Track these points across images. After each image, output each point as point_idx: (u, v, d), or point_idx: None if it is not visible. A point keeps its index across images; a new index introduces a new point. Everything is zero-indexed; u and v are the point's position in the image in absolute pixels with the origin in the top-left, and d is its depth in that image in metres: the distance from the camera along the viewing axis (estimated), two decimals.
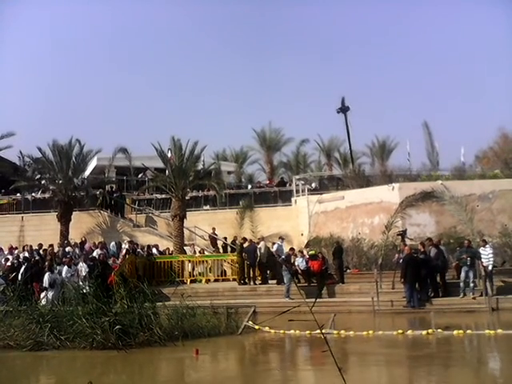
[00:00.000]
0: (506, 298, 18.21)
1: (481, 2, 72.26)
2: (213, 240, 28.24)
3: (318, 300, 18.87)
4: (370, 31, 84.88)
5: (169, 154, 29.70)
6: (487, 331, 14.26)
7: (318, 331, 14.07)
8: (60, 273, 18.96)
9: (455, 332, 14.07)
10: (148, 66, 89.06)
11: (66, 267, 19.18)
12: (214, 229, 28.61)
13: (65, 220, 28.53)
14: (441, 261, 19.17)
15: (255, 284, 21.47)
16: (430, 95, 75.86)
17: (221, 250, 27.05)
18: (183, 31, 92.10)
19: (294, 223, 29.68)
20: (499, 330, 14.14)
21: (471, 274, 18.52)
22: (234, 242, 26.34)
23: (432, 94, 76.37)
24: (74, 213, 29.38)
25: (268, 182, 39.87)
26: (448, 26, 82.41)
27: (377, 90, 79.04)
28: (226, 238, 28.05)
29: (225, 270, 23.63)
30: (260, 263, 21.61)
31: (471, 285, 18.48)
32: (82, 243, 24.90)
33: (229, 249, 26.74)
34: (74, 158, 30.45)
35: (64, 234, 27.70)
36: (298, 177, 34.33)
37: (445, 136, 66.90)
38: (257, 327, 15.23)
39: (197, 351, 12.46)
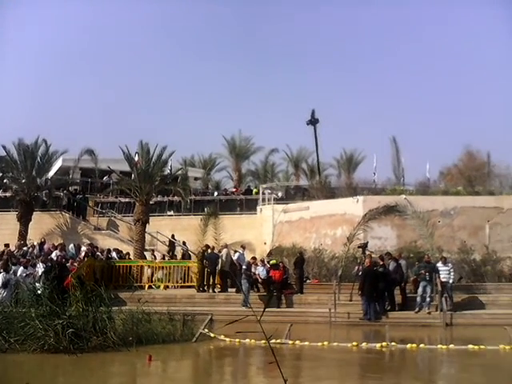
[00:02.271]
0: (460, 313, 18.51)
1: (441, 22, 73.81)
2: (171, 245, 28.20)
3: (275, 309, 18.91)
4: (341, 45, 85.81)
5: (136, 158, 29.55)
6: (440, 346, 14.43)
7: (274, 341, 14.15)
8: (15, 273, 18.60)
9: (409, 346, 14.19)
10: (119, 69, 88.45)
11: (21, 268, 18.85)
12: (173, 235, 28.55)
13: (25, 220, 28.12)
14: (399, 275, 19.39)
15: (214, 292, 21.38)
16: (398, 110, 76.80)
17: (178, 257, 26.96)
18: (153, 35, 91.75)
19: (257, 232, 29.70)
20: (451, 345, 14.31)
21: (428, 289, 18.75)
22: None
23: (400, 109, 77.44)
24: (34, 213, 28.98)
25: (234, 189, 39.86)
26: (416, 42, 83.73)
27: (346, 104, 79.71)
28: (184, 243, 27.98)
29: (185, 276, 23.42)
30: (221, 271, 21.54)
31: (427, 299, 18.71)
32: (41, 244, 24.51)
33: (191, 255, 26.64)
34: (38, 158, 30.21)
35: (23, 234, 27.28)
36: (264, 186, 34.43)
37: (411, 151, 67.94)
38: (212, 335, 15.13)
39: (150, 357, 12.32)
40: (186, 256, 27.17)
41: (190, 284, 22.80)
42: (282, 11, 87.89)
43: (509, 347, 13.85)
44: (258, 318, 4.65)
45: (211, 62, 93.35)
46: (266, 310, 18.31)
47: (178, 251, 28.12)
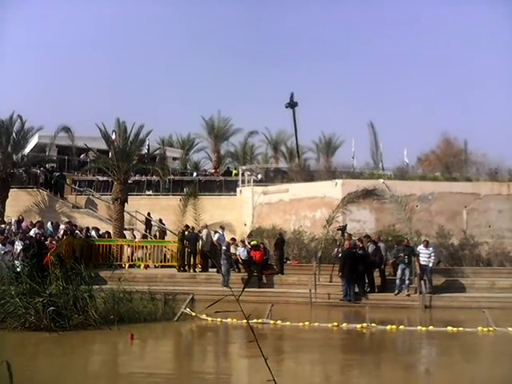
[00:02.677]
0: (439, 296, 18.78)
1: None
2: (148, 223, 28.18)
3: (256, 290, 18.99)
4: (321, 30, 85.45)
5: (113, 136, 29.22)
6: (419, 327, 14.64)
7: (255, 320, 14.22)
8: None
9: (388, 327, 14.36)
10: (98, 47, 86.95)
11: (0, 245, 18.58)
12: (148, 213, 28.65)
13: (1, 197, 27.70)
14: (378, 257, 19.59)
15: (195, 271, 21.36)
16: (377, 96, 77.10)
17: (156, 234, 27.10)
18: (135, 17, 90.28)
19: (237, 213, 29.67)
20: (431, 327, 14.53)
21: (407, 272, 18.97)
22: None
23: (379, 94, 77.62)
24: (11, 190, 28.51)
25: (214, 170, 39.70)
26: (395, 28, 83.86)
27: (325, 89, 79.72)
28: (161, 220, 27.99)
29: (165, 256, 23.33)
30: (202, 251, 21.51)
31: (407, 282, 18.93)
32: (19, 221, 24.16)
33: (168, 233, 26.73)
34: (14, 134, 29.63)
35: (0, 211, 26.82)
36: (244, 167, 34.30)
37: (389, 137, 68.39)
38: (194, 314, 15.14)
39: (132, 336, 12.32)
40: (162, 234, 27.24)
41: (170, 264, 22.74)
42: None
43: (486, 329, 14.12)
44: (236, 297, 4.62)
45: (191, 43, 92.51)
46: (247, 290, 18.49)
47: (155, 229, 28.12)
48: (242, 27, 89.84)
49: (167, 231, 27.58)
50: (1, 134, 29.06)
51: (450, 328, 14.18)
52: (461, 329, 14.25)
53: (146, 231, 27.43)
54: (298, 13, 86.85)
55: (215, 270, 21.08)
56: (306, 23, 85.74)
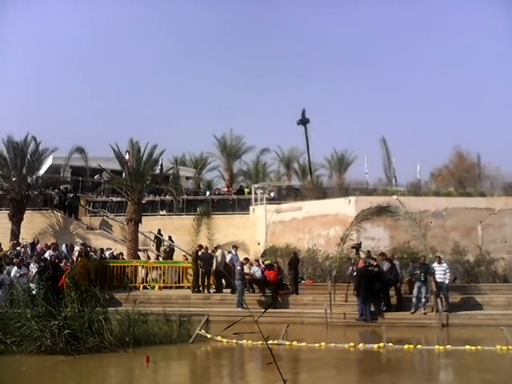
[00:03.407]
0: (456, 314, 18.58)
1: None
2: (158, 240, 28.26)
3: (271, 310, 18.87)
4: (333, 45, 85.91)
5: (126, 157, 29.38)
6: (437, 347, 14.47)
7: (271, 342, 14.14)
8: (9, 273, 18.43)
9: (406, 346, 14.21)
10: (110, 67, 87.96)
11: (15, 267, 18.69)
12: (159, 230, 28.78)
13: (17, 219, 27.86)
14: (394, 275, 19.43)
15: (209, 292, 21.30)
16: (388, 111, 77.10)
17: (166, 249, 27.29)
18: (145, 34, 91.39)
19: (251, 232, 29.64)
20: (448, 346, 14.36)
21: (424, 290, 18.80)
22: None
23: (391, 110, 77.66)
24: (26, 212, 28.71)
25: (226, 189, 39.76)
26: (407, 44, 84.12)
27: (337, 105, 79.89)
28: (170, 237, 28.15)
29: (179, 277, 23.30)
30: (216, 271, 21.46)
31: (423, 300, 18.76)
32: (34, 243, 24.31)
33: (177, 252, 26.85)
34: (28, 156, 29.89)
35: (15, 233, 27.02)
36: (256, 185, 34.32)
37: (402, 152, 68.21)
38: (209, 336, 15.08)
39: (147, 358, 12.26)
40: (171, 252, 27.32)
41: (184, 284, 22.70)
42: (273, 12, 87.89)
43: (506, 348, 13.92)
44: (255, 318, 4.60)
45: (203, 62, 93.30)
46: (263, 310, 18.28)
47: (164, 246, 28.33)
48: (253, 46, 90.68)
49: (178, 249, 27.60)
50: (16, 156, 29.34)
51: (468, 347, 14.00)
52: (479, 347, 14.06)
53: (157, 249, 27.49)
54: (310, 30, 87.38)
55: (229, 290, 21.00)
56: (317, 40, 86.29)
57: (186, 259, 23.89)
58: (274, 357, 3.82)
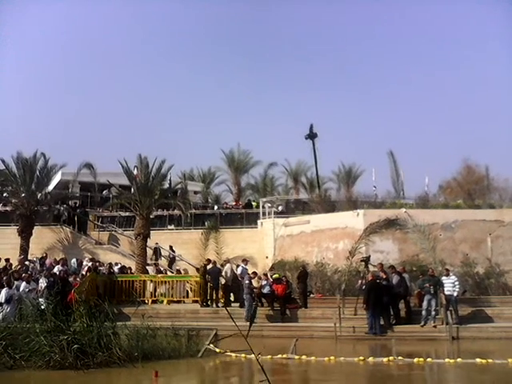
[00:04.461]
0: (466, 327, 18.42)
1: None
2: (156, 253, 28.49)
3: (281, 324, 18.83)
4: (340, 59, 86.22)
5: (135, 172, 29.49)
6: (447, 360, 14.34)
7: (280, 356, 14.08)
8: (18, 288, 18.47)
9: (416, 360, 14.09)
10: (116, 82, 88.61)
11: (24, 283, 18.72)
12: (156, 243, 28.93)
13: (26, 234, 27.99)
14: (403, 288, 19.32)
15: (217, 306, 21.23)
16: (396, 124, 77.16)
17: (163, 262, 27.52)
18: (152, 47, 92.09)
19: (259, 246, 29.63)
20: (459, 359, 14.23)
21: (433, 303, 18.70)
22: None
23: (398, 123, 77.70)
24: (35, 227, 28.83)
25: (234, 203, 39.81)
26: (412, 57, 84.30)
27: (344, 118, 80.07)
28: (171, 247, 28.86)
29: (187, 292, 23.27)
30: (225, 285, 21.41)
31: (433, 313, 18.65)
32: (43, 259, 24.39)
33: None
34: (37, 172, 30.13)
35: (24, 248, 27.14)
36: (264, 199, 34.35)
37: (410, 165, 68.10)
38: (218, 350, 15.03)
39: (156, 373, 12.20)
40: (172, 261, 27.43)
41: (192, 299, 22.65)
42: (282, 26, 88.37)
43: None
44: (242, 333, 4.61)
45: (210, 75, 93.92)
46: (271, 324, 18.28)
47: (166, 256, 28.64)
48: (261, 60, 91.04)
49: (177, 258, 27.86)
50: (25, 172, 29.57)
51: (479, 360, 13.83)
52: (490, 361, 13.91)
53: (169, 266, 27.52)
54: (318, 45, 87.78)
55: (238, 304, 20.94)
56: (325, 55, 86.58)
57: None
58: (265, 373, 3.80)
